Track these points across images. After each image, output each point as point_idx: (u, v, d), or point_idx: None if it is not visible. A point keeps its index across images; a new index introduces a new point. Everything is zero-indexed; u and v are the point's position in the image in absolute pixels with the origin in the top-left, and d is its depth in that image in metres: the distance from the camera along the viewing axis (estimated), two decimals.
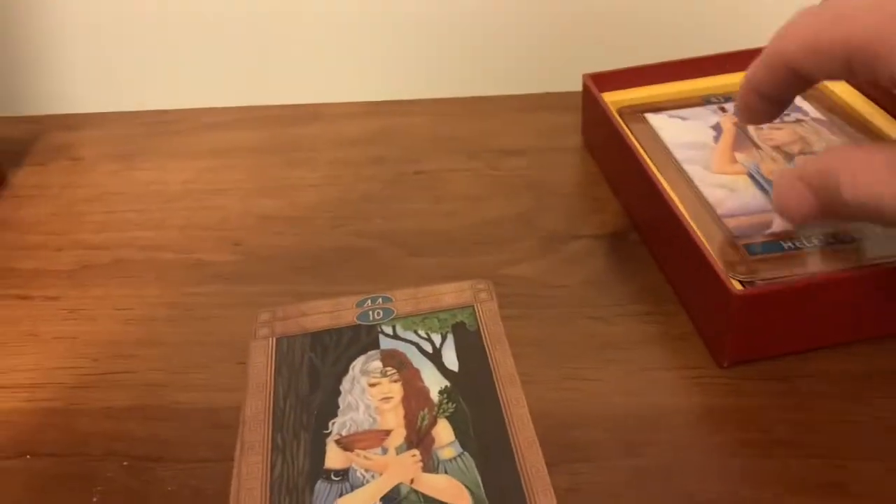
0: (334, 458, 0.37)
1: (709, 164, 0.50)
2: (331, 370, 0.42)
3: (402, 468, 0.36)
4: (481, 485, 0.35)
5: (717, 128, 0.54)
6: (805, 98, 0.55)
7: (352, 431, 0.38)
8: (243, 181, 0.61)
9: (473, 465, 0.36)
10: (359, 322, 0.45)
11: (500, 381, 0.40)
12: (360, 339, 0.44)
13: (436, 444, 0.37)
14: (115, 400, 0.44)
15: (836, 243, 0.42)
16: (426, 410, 0.39)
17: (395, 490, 0.36)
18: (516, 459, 0.36)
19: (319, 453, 0.38)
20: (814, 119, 0.53)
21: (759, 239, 0.43)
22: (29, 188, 0.63)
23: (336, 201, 0.58)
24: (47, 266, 0.54)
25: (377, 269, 0.51)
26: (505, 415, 0.38)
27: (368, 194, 0.58)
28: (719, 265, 0.40)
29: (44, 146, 0.68)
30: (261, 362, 0.43)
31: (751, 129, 0.53)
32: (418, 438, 0.38)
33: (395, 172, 0.60)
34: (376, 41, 0.74)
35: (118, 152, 0.66)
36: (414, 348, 0.42)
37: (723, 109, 0.56)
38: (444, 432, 0.38)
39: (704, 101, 0.57)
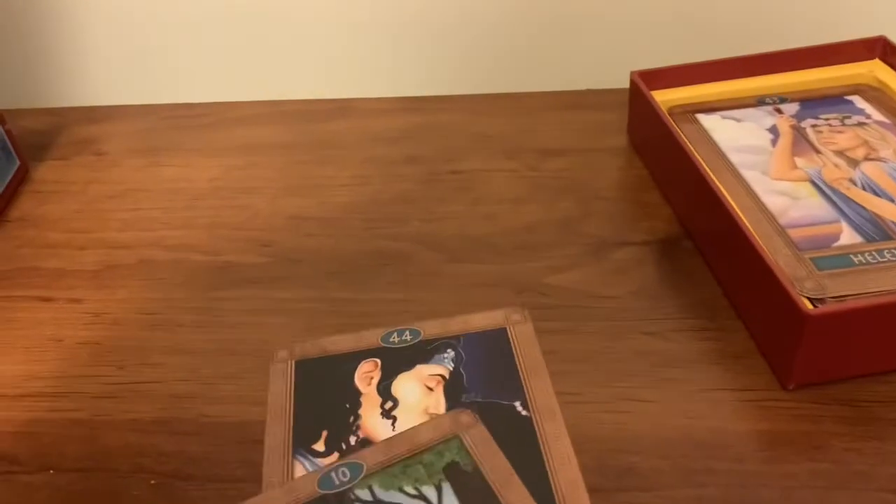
0: None
1: (767, 170, 0.47)
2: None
3: None
4: None
5: (773, 130, 0.51)
6: (867, 100, 0.52)
7: None
8: (272, 179, 0.58)
9: None
10: (321, 491, 0.35)
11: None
12: None
13: None
14: (141, 411, 0.42)
15: None
16: None
17: None
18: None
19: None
20: (877, 122, 0.50)
21: (828, 252, 0.40)
22: (52, 183, 0.61)
23: (369, 202, 0.55)
24: (70, 266, 0.52)
25: (413, 275, 0.48)
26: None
27: (402, 195, 0.56)
28: (788, 280, 0.37)
29: (67, 140, 0.66)
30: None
31: (811, 132, 0.50)
32: None
33: (429, 172, 0.58)
34: (409, 34, 0.71)
35: (143, 147, 0.64)
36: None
37: (779, 111, 0.53)
38: None
39: (758, 101, 0.54)
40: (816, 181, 0.46)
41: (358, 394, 0.40)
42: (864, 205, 0.43)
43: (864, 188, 0.45)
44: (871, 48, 0.55)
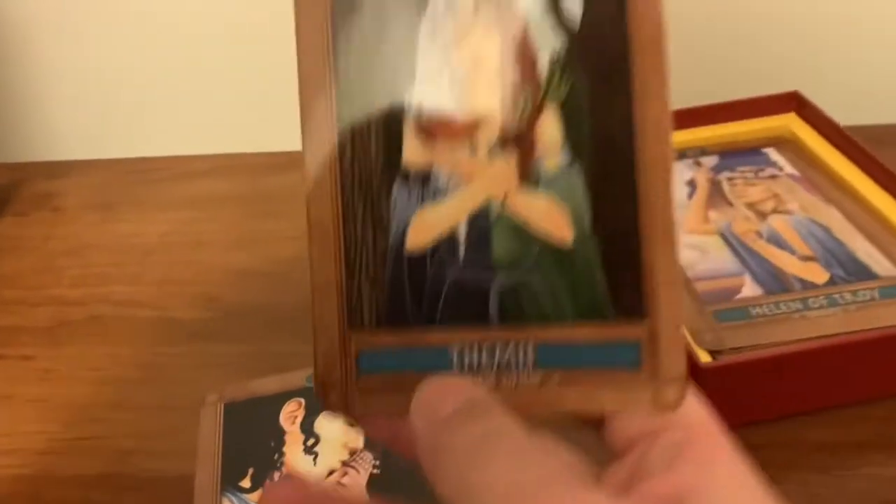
0: (413, 149, 0.28)
1: (681, 223, 0.50)
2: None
3: (494, 177, 0.28)
4: (589, 215, 0.26)
5: (691, 183, 0.54)
6: (781, 152, 0.55)
7: (434, 113, 0.28)
8: (221, 233, 0.61)
9: (584, 184, 0.27)
10: None
11: (639, 45, 0.26)
12: None
13: (539, 148, 0.28)
14: (85, 467, 0.44)
15: (806, 310, 0.42)
16: (529, 90, 0.28)
17: (485, 207, 0.28)
18: (640, 185, 0.26)
19: (396, 140, 0.28)
20: (788, 175, 0.53)
21: (729, 305, 0.43)
22: (10, 239, 0.63)
23: None
24: (24, 323, 0.54)
25: None
26: (637, 107, 0.26)
27: None
28: (685, 333, 0.40)
29: (26, 195, 0.68)
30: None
31: (726, 185, 0.53)
32: (517, 134, 0.28)
33: None
34: None
35: (100, 202, 0.66)
36: None
37: (698, 164, 0.56)
38: (550, 129, 0.28)
39: (680, 154, 0.57)
40: (726, 234, 0.49)
41: (282, 432, 0.43)
42: (768, 257, 0.46)
43: (769, 241, 0.48)
44: (787, 102, 0.59)
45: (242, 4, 0.68)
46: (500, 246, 0.27)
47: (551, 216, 0.27)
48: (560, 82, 0.27)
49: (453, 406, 0.23)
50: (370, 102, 0.28)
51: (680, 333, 0.25)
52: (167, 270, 0.58)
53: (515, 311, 0.27)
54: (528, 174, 0.27)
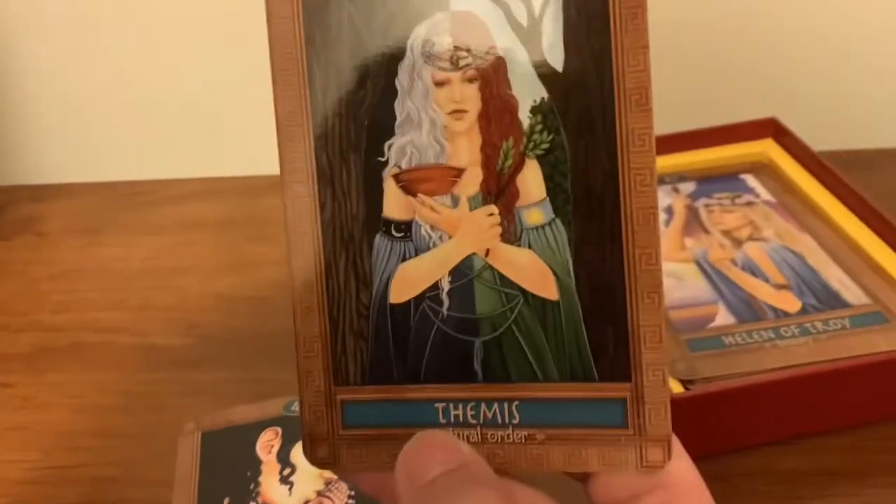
0: (394, 202, 0.28)
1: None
2: (380, 42, 0.28)
3: (476, 231, 0.27)
4: (572, 272, 0.26)
5: (669, 210, 0.54)
6: (758, 179, 0.56)
7: (414, 164, 0.28)
8: (204, 258, 0.61)
9: (566, 240, 0.27)
10: None
11: (623, 95, 0.25)
12: None
13: (520, 201, 0.27)
14: (64, 497, 0.44)
15: (778, 339, 0.43)
16: (511, 142, 0.27)
17: (468, 262, 0.27)
18: (625, 240, 0.25)
19: (376, 192, 0.28)
20: (764, 201, 0.54)
21: (702, 333, 0.44)
22: None
23: None
24: (5, 349, 0.54)
25: None
26: (621, 160, 0.25)
27: None
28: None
29: (10, 219, 0.68)
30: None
31: (703, 211, 0.54)
32: (498, 187, 0.27)
33: None
34: None
35: (84, 226, 0.67)
36: (499, 11, 0.27)
37: (676, 190, 0.56)
38: (532, 181, 0.27)
39: (658, 180, 0.57)
40: (702, 262, 0.49)
41: (259, 462, 0.43)
42: (742, 285, 0.47)
43: (743, 268, 0.48)
44: (764, 128, 0.59)
45: (227, 28, 0.69)
46: (483, 301, 0.27)
47: (534, 272, 0.26)
48: (542, 133, 0.26)
49: (438, 466, 0.23)
50: (349, 152, 0.28)
51: (665, 392, 0.25)
52: (150, 296, 0.58)
53: (499, 369, 0.27)
54: (510, 228, 0.27)
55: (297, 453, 0.43)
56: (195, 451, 0.44)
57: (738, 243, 0.50)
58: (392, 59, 0.27)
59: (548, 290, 0.27)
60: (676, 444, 0.25)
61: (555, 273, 0.26)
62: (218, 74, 0.71)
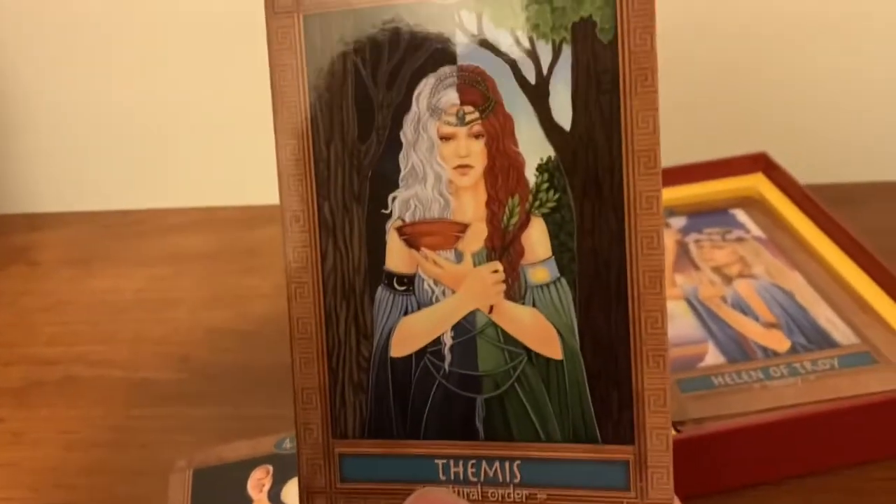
0: (397, 255, 0.28)
1: None
2: (385, 94, 0.27)
3: (479, 287, 0.27)
4: (576, 332, 0.26)
5: None
6: (748, 214, 0.56)
7: (418, 217, 0.28)
8: (195, 290, 0.61)
9: (571, 300, 0.26)
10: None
11: (631, 157, 0.25)
12: (429, 32, 0.27)
13: (525, 259, 0.27)
14: None
15: (767, 379, 0.43)
16: (517, 199, 0.27)
17: (471, 318, 0.27)
18: (631, 302, 0.25)
19: (378, 245, 0.28)
20: (755, 237, 0.54)
21: (692, 373, 0.44)
22: None
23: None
24: None
25: None
26: (628, 222, 0.25)
27: None
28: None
29: (3, 248, 0.68)
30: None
31: (693, 247, 0.54)
32: (503, 244, 0.27)
33: None
34: None
35: (77, 256, 0.67)
36: (507, 68, 0.26)
37: (667, 225, 0.56)
38: (537, 240, 0.27)
39: None
40: (692, 299, 0.49)
41: (250, 501, 0.43)
42: (732, 324, 0.47)
43: (733, 306, 0.48)
44: (755, 163, 0.60)
45: (221, 60, 0.69)
46: (486, 358, 0.27)
47: (538, 331, 0.26)
48: (548, 192, 0.26)
49: None
50: (352, 203, 0.28)
51: (668, 456, 0.25)
52: (141, 328, 0.58)
53: (501, 427, 0.27)
54: (515, 286, 0.26)
55: (289, 492, 0.43)
56: (186, 488, 0.44)
57: (728, 280, 0.51)
58: (397, 112, 0.27)
59: (552, 349, 0.26)
60: None
61: (559, 333, 0.26)
62: (211, 105, 0.71)
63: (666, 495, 0.25)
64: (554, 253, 0.26)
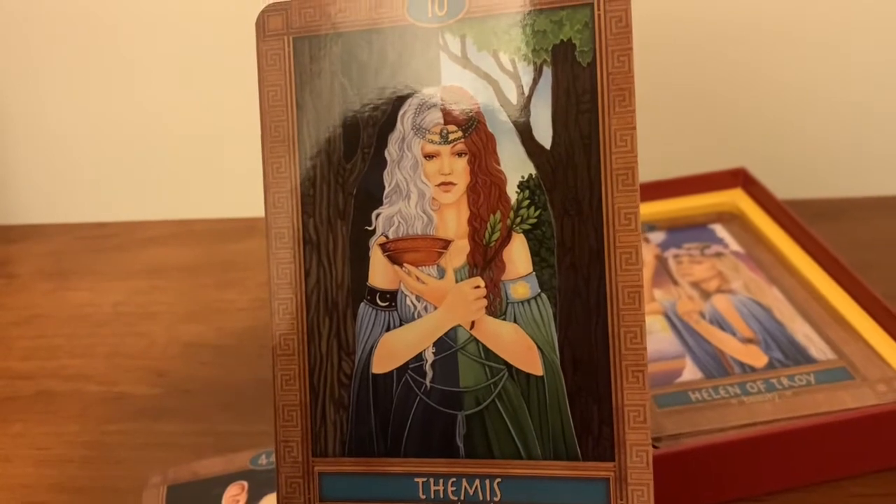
0: (380, 271, 0.28)
1: None
2: (371, 113, 0.28)
3: (461, 303, 0.27)
4: (557, 348, 0.26)
5: None
6: (727, 228, 0.57)
7: (401, 234, 0.28)
8: (173, 304, 0.61)
9: (551, 316, 0.27)
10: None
11: (609, 175, 0.26)
12: (415, 54, 0.27)
13: (506, 275, 0.27)
14: None
15: (744, 395, 0.43)
16: (498, 216, 0.27)
17: (452, 333, 0.27)
18: (610, 317, 0.26)
19: (362, 261, 0.28)
20: (733, 252, 0.54)
21: (669, 389, 0.44)
22: None
23: (265, 327, 0.57)
24: None
25: None
26: (607, 238, 0.26)
27: None
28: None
29: None
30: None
31: (672, 262, 0.54)
32: (485, 260, 0.27)
33: None
34: None
35: (54, 269, 0.66)
36: (489, 89, 0.27)
37: (646, 240, 0.57)
38: (519, 256, 0.27)
39: None
40: (670, 315, 0.49)
41: None
42: (709, 339, 0.47)
43: (711, 321, 0.48)
44: (734, 178, 0.60)
45: (202, 73, 0.69)
46: (467, 374, 0.27)
47: (519, 346, 0.27)
48: (529, 209, 0.27)
49: None
50: (336, 220, 0.28)
51: (649, 472, 0.25)
52: (118, 342, 0.57)
53: (482, 444, 0.27)
54: (496, 301, 0.27)
55: None
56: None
57: (706, 295, 0.51)
58: (382, 130, 0.28)
59: (533, 365, 0.27)
60: None
61: (540, 348, 0.27)
62: (190, 118, 0.71)
63: None
64: (535, 269, 0.27)
